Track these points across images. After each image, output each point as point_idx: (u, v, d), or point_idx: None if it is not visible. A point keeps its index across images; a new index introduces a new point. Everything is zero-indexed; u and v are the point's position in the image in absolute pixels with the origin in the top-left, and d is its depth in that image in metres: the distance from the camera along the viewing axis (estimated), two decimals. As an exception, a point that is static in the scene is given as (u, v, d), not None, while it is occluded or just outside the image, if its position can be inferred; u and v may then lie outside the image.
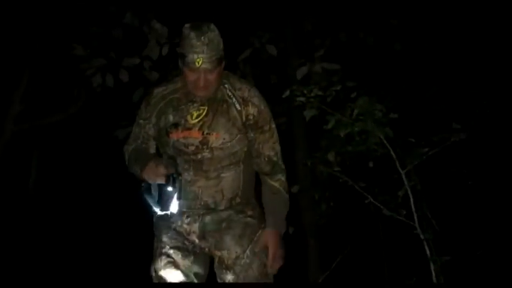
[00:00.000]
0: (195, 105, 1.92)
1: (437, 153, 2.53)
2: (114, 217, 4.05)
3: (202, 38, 1.79)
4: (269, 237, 1.94)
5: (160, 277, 1.93)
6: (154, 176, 1.79)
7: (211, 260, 1.99)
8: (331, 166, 2.92)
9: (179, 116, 1.92)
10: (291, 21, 3.66)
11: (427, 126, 2.66)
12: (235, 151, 1.97)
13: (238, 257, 1.92)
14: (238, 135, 1.95)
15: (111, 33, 3.09)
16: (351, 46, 3.54)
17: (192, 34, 1.79)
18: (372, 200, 2.20)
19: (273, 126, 2.02)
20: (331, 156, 2.97)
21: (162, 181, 1.78)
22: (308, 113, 2.63)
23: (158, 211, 1.83)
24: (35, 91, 3.55)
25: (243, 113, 1.95)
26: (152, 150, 1.97)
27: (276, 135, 2.02)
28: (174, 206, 1.80)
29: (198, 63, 1.79)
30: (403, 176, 2.30)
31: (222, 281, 1.96)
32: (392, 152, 2.41)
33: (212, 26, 1.84)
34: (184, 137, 1.91)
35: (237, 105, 1.95)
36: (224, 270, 1.94)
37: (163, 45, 2.97)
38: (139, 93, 3.08)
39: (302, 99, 2.52)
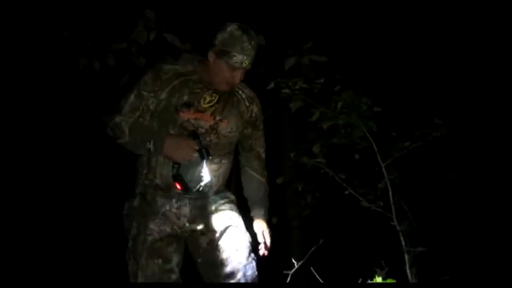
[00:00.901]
0: (209, 91, 2.01)
1: (418, 148, 2.58)
2: (101, 202, 4.01)
3: (253, 42, 1.92)
4: (263, 227, 2.11)
5: (141, 265, 1.96)
6: (191, 153, 1.88)
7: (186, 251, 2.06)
8: (316, 158, 2.96)
9: (193, 98, 1.99)
10: (281, 12, 3.65)
11: (410, 121, 2.70)
12: (233, 141, 2.11)
13: (229, 236, 2.03)
14: (240, 128, 2.10)
15: (98, 17, 3.06)
16: (341, 39, 3.55)
17: (244, 37, 1.91)
18: (351, 191, 2.24)
19: (263, 130, 2.19)
20: (316, 149, 3.01)
21: (194, 156, 1.87)
22: (293, 105, 2.66)
23: (195, 186, 1.91)
24: (20, 73, 3.51)
25: (249, 109, 2.10)
26: (146, 124, 2.01)
27: (264, 137, 2.20)
28: (206, 176, 1.91)
29: (245, 63, 1.92)
30: (383, 169, 2.35)
31: (207, 264, 2.04)
32: (374, 146, 2.45)
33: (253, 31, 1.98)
34: (195, 119, 1.99)
35: (246, 102, 2.10)
36: (214, 251, 2.02)
37: (151, 30, 2.95)
38: (126, 79, 3.07)
39: (287, 91, 2.54)
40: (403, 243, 2.08)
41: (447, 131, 2.54)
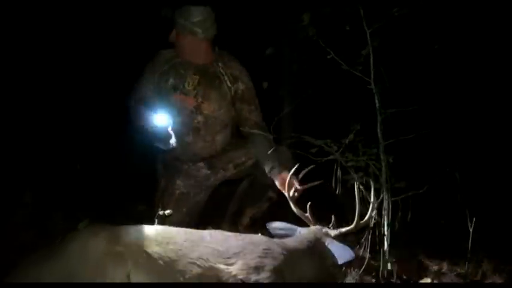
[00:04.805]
0: (189, 72, 2.34)
1: (405, 16, 2.58)
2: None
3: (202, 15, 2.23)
4: (283, 180, 2.31)
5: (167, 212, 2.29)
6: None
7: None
8: (307, 28, 2.99)
9: (178, 81, 2.35)
10: None
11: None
12: (223, 119, 2.43)
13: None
14: (226, 107, 2.41)
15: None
16: None
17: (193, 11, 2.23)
18: (333, 55, 2.35)
19: (257, 102, 2.49)
20: (306, 17, 3.03)
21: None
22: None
23: (163, 146, 2.31)
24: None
25: (232, 89, 2.38)
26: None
27: (260, 109, 2.50)
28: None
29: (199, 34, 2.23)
30: (368, 35, 2.40)
31: None
32: (361, 11, 2.47)
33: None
34: (181, 100, 2.34)
35: (228, 83, 2.37)
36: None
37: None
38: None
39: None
40: (377, 104, 2.25)
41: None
